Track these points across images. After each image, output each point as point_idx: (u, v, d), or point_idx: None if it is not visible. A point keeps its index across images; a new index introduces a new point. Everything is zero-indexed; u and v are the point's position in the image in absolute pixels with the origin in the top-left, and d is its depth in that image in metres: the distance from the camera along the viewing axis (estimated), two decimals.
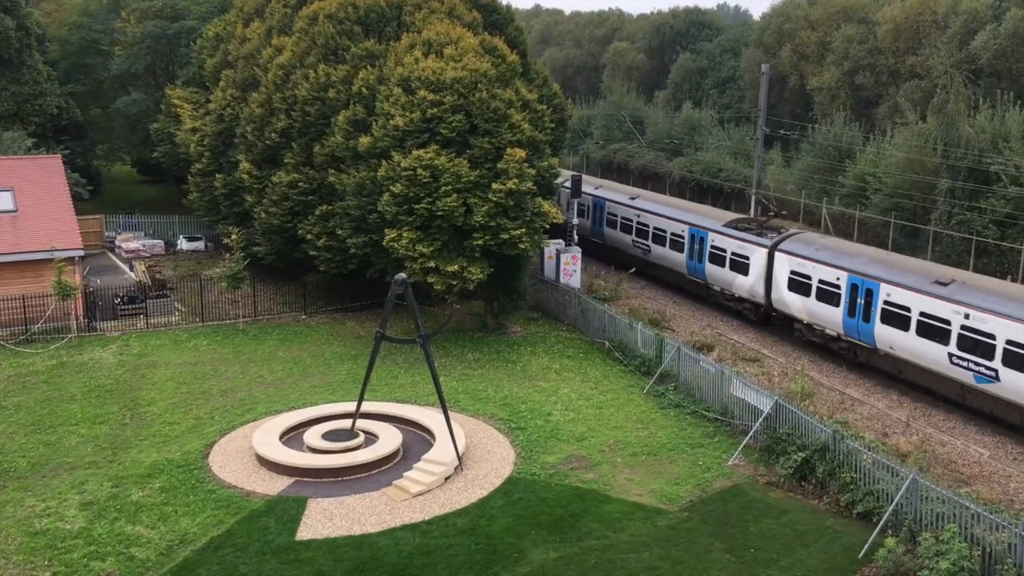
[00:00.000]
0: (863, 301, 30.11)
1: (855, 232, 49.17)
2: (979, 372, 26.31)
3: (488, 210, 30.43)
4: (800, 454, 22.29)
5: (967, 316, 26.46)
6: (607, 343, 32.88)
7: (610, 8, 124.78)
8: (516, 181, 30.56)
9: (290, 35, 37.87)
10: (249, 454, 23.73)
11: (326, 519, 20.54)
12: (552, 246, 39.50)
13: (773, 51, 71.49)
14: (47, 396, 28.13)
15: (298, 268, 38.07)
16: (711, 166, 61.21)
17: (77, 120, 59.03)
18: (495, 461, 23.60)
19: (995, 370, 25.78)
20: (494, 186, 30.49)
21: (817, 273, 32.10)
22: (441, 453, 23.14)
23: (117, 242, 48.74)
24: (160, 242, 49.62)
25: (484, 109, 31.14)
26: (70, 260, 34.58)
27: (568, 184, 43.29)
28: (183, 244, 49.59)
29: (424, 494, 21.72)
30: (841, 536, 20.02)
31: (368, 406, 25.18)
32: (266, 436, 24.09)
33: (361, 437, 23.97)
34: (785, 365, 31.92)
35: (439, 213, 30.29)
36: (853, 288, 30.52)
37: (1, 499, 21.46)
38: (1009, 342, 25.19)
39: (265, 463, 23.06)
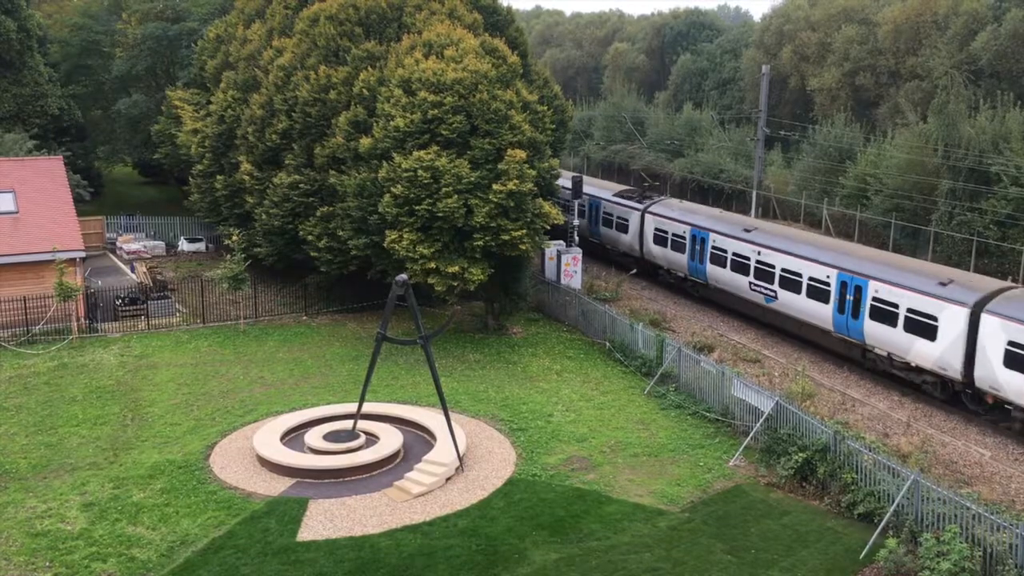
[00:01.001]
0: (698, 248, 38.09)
1: (855, 233, 49.20)
2: (767, 295, 33.63)
3: (489, 211, 30.44)
4: (801, 455, 22.28)
5: (759, 253, 34.15)
6: (608, 344, 32.89)
7: (610, 9, 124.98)
8: (517, 182, 30.57)
9: (291, 36, 37.90)
10: (250, 455, 23.74)
11: (327, 520, 20.55)
12: (553, 247, 39.53)
13: (773, 52, 71.54)
14: (48, 397, 28.15)
15: (299, 269, 38.09)
16: (712, 167, 61.24)
17: (78, 122, 59.06)
18: (496, 462, 23.61)
19: (775, 291, 33.29)
20: (495, 187, 30.50)
21: (672, 228, 40.07)
22: (442, 454, 23.15)
23: (118, 243, 48.78)
24: (161, 243, 49.65)
25: (485, 110, 31.16)
26: (71, 261, 34.60)
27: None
28: (184, 245, 49.62)
29: (425, 495, 21.72)
30: (842, 537, 20.02)
31: (369, 407, 25.20)
32: (267, 437, 24.10)
33: (362, 438, 23.98)
34: (786, 366, 31.92)
35: (440, 214, 30.31)
36: (694, 239, 38.21)
37: (2, 500, 21.47)
38: (783, 271, 32.78)
39: (266, 464, 23.08)
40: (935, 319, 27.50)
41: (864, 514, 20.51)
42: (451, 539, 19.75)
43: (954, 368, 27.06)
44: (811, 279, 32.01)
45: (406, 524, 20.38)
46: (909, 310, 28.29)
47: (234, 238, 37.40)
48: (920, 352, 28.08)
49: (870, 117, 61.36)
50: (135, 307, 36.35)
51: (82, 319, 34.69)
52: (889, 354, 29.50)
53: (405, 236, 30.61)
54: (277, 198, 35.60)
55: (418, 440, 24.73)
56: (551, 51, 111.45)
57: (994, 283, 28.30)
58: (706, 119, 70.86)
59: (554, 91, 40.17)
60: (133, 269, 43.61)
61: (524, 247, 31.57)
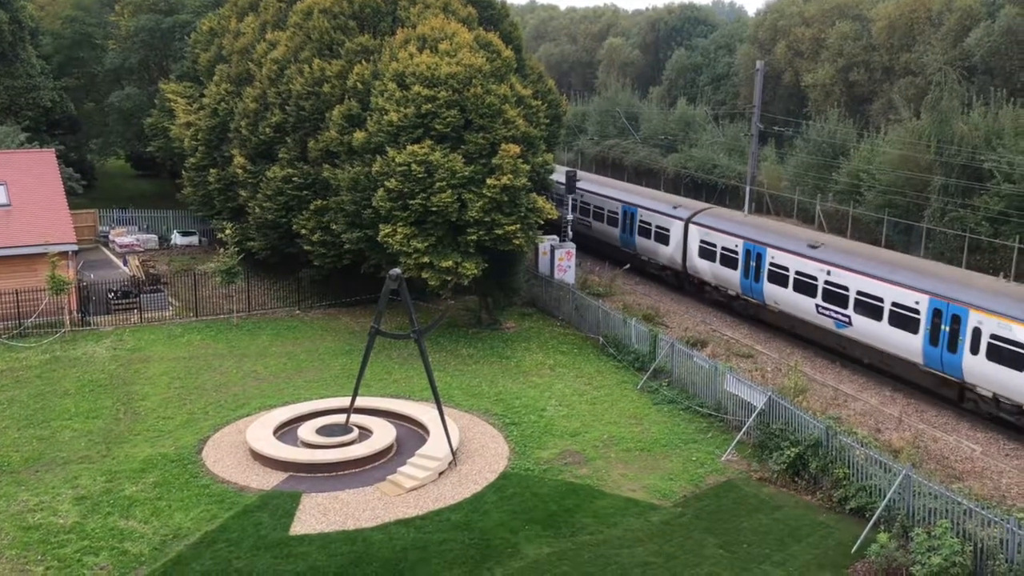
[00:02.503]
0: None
1: (848, 229, 49.28)
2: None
3: (482, 206, 30.43)
4: (793, 450, 22.36)
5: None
6: (601, 339, 32.92)
7: (605, 4, 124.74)
8: (511, 177, 30.56)
9: (284, 30, 37.80)
10: (243, 449, 23.73)
11: (320, 514, 20.55)
12: (547, 242, 39.51)
13: (768, 48, 71.56)
14: (40, 391, 28.08)
15: (292, 263, 38.03)
16: (706, 162, 61.26)
17: (71, 114, 58.77)
18: (489, 456, 23.63)
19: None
20: (488, 182, 30.48)
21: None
22: (435, 448, 23.16)
23: (111, 237, 48.61)
24: (154, 237, 49.48)
25: (479, 104, 31.13)
26: (63, 254, 34.47)
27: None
28: (177, 239, 49.47)
29: (418, 489, 21.74)
30: (834, 531, 20.10)
31: (362, 401, 25.19)
32: (260, 431, 24.09)
33: (355, 432, 23.98)
34: (778, 361, 31.99)
35: (433, 208, 30.29)
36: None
37: None
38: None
39: (259, 458, 23.07)
40: (668, 230, 40.28)
41: (856, 509, 20.59)
42: (444, 533, 19.78)
43: (677, 262, 39.93)
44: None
45: (399, 518, 20.40)
46: (657, 226, 41.22)
47: (227, 232, 37.30)
48: (662, 254, 41.01)
49: (863, 113, 61.45)
50: (128, 300, 36.24)
51: (74, 312, 34.60)
52: (650, 259, 42.25)
53: (399, 230, 30.59)
54: (270, 192, 35.54)
55: (411, 434, 24.73)
56: (545, 46, 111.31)
57: (700, 205, 41.29)
58: (700, 114, 70.86)
59: (548, 86, 40.13)
60: (126, 262, 43.48)
61: (518, 242, 31.56)
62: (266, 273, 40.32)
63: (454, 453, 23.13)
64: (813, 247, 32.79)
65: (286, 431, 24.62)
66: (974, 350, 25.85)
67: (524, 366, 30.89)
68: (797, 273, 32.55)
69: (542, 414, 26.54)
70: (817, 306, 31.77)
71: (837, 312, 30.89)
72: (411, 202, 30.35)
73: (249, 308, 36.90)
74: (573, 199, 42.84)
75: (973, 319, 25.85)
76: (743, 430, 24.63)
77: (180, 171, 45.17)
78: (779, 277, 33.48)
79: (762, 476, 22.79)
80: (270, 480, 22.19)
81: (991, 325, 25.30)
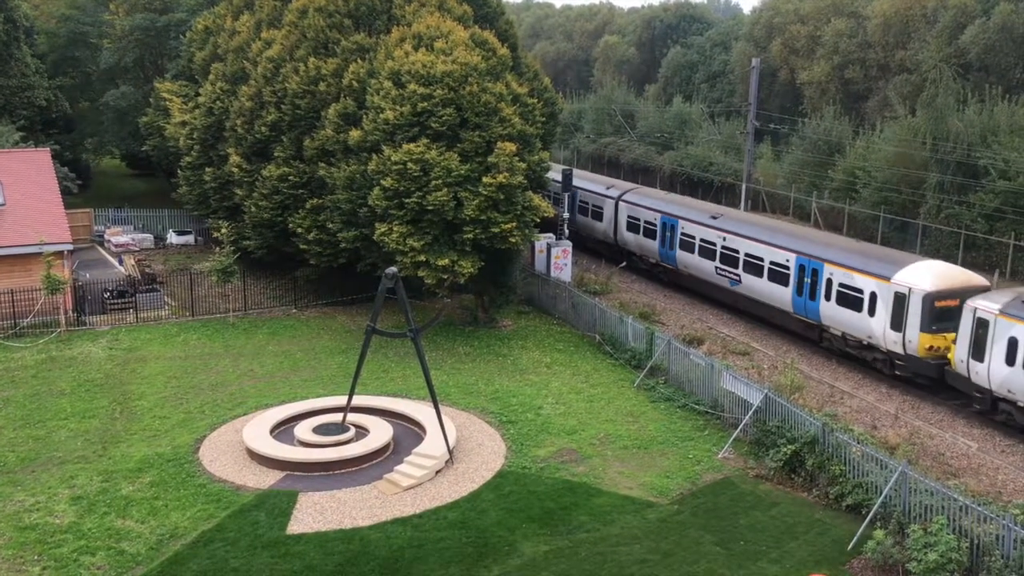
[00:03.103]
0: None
1: (844, 227, 49.35)
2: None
3: (479, 204, 30.42)
4: (790, 447, 22.38)
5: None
6: (598, 337, 32.93)
7: (601, 2, 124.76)
8: (507, 175, 30.55)
9: (280, 28, 37.74)
10: (240, 448, 23.71)
11: (317, 513, 20.54)
12: (543, 240, 39.52)
13: (763, 45, 71.63)
14: (36, 390, 28.03)
15: (288, 262, 37.99)
16: (701, 160, 61.33)
17: (66, 113, 58.65)
18: (486, 455, 23.64)
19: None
20: (484, 180, 30.47)
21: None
22: (432, 447, 23.16)
23: (106, 236, 48.53)
24: (149, 236, 49.39)
25: (474, 103, 31.11)
26: (59, 254, 34.40)
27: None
28: (173, 238, 49.40)
29: (415, 488, 21.74)
30: (830, 528, 20.13)
31: (359, 400, 25.17)
32: (257, 430, 24.07)
33: (352, 431, 23.97)
34: (775, 358, 32.03)
35: (429, 207, 30.27)
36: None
37: None
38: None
39: (256, 457, 23.05)
40: (602, 208, 44.77)
41: (852, 506, 20.61)
42: (441, 531, 19.78)
43: (611, 237, 44.38)
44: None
45: (396, 517, 20.39)
46: (594, 206, 45.67)
47: (223, 231, 37.27)
48: (598, 229, 45.32)
49: (859, 110, 61.55)
50: (123, 300, 36.18)
51: (70, 312, 34.53)
52: (589, 235, 46.10)
53: (395, 229, 30.57)
54: (266, 190, 35.50)
55: (408, 433, 24.73)
56: (541, 44, 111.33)
57: (630, 185, 46.55)
58: (696, 112, 70.95)
59: (544, 84, 40.13)
60: (121, 262, 43.41)
61: (514, 240, 31.55)
62: (262, 272, 40.28)
63: (451, 451, 23.13)
64: (714, 218, 37.77)
65: (283, 430, 24.59)
66: (827, 297, 31.28)
67: (521, 364, 30.89)
68: (702, 240, 37.59)
69: (539, 412, 26.54)
70: (716, 268, 36.81)
71: (731, 272, 35.94)
72: (407, 201, 30.33)
73: (245, 307, 36.87)
74: None
75: (827, 271, 31.24)
76: (740, 427, 24.65)
77: (175, 170, 45.09)
78: (688, 245, 38.56)
79: (759, 473, 22.82)
80: (267, 479, 22.17)
81: (839, 275, 30.72)
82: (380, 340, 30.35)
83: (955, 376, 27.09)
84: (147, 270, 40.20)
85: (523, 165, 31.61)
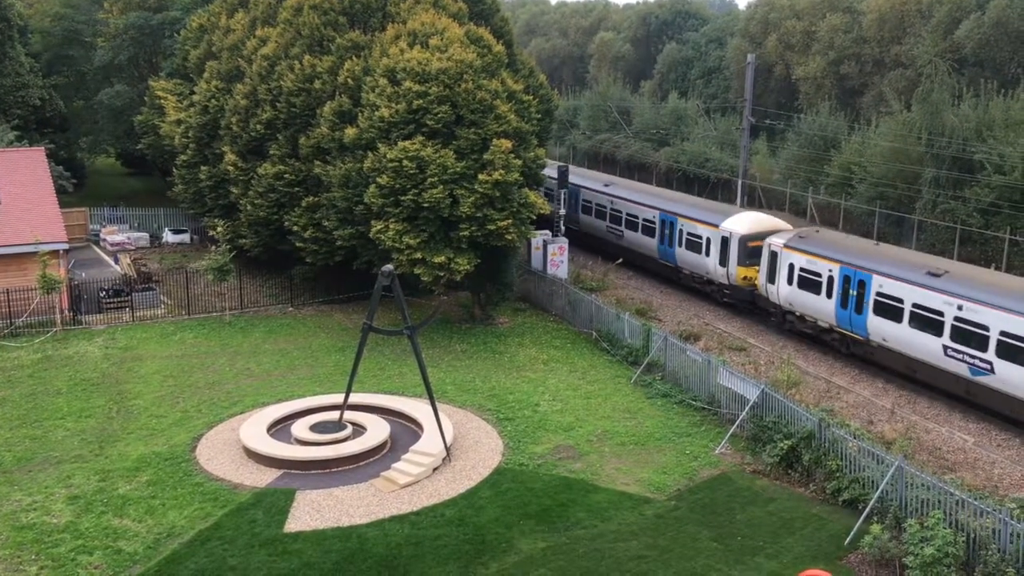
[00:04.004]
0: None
1: (840, 222, 49.39)
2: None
3: (475, 201, 30.40)
4: (786, 442, 22.42)
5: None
6: (594, 333, 32.94)
7: None
8: (502, 172, 30.53)
9: (275, 26, 37.68)
10: (237, 447, 23.70)
11: (314, 511, 20.54)
12: (539, 237, 39.52)
13: (759, 41, 71.62)
14: (32, 390, 27.99)
15: (284, 260, 37.94)
16: (697, 156, 61.31)
17: (60, 112, 58.49)
18: (483, 452, 23.65)
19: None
20: (480, 177, 30.46)
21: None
22: (429, 444, 23.16)
23: (102, 235, 48.44)
24: (145, 235, 49.31)
25: (470, 100, 31.08)
26: (54, 253, 34.34)
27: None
28: (168, 237, 49.31)
29: (412, 485, 21.74)
30: (827, 523, 20.17)
31: (356, 398, 25.16)
32: (254, 428, 24.05)
33: (349, 429, 23.96)
34: (771, 354, 32.06)
35: (425, 204, 30.25)
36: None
37: None
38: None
39: (253, 455, 23.03)
40: (552, 191, 43.17)
41: (849, 500, 20.66)
42: (439, 529, 19.79)
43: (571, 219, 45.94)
44: None
45: (393, 514, 20.40)
46: (546, 188, 42.24)
47: (219, 229, 37.23)
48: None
49: (854, 106, 61.57)
50: (119, 299, 36.14)
51: (66, 311, 34.48)
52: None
53: (391, 226, 30.55)
54: (262, 189, 35.45)
55: (405, 431, 24.73)
56: (536, 40, 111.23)
57: (578, 170, 49.82)
58: (692, 108, 70.92)
59: (540, 80, 40.11)
60: (117, 261, 43.35)
61: (510, 237, 31.55)
62: (258, 270, 40.24)
63: (448, 449, 23.13)
64: (606, 185, 45.53)
65: (280, 428, 24.59)
66: (680, 244, 39.01)
67: (517, 361, 30.90)
68: (596, 204, 45.54)
69: (536, 409, 26.55)
70: (607, 227, 44.63)
71: (617, 229, 43.68)
72: (403, 198, 30.31)
73: (241, 306, 36.83)
74: None
75: (679, 224, 38.99)
76: (736, 423, 24.68)
77: (171, 169, 45.02)
78: (587, 209, 46.11)
79: (755, 469, 22.85)
80: (264, 477, 22.16)
81: (688, 227, 38.41)
82: (377, 338, 30.35)
83: (760, 297, 34.69)
84: (143, 269, 40.15)
85: (519, 162, 31.60)
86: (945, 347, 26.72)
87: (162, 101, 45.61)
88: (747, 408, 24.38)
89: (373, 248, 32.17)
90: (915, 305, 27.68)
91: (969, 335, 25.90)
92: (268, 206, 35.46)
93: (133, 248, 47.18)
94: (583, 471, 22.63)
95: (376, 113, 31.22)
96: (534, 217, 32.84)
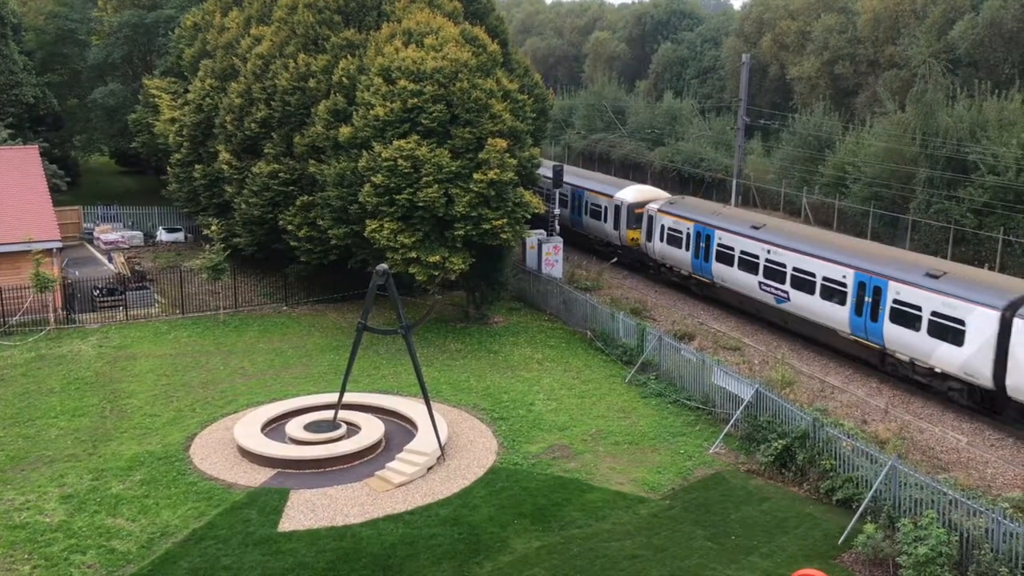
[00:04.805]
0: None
1: (835, 222, 49.46)
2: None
3: (469, 200, 30.39)
4: (780, 442, 22.44)
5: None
6: (589, 333, 32.95)
7: None
8: (497, 171, 30.53)
9: (269, 24, 37.62)
10: (231, 446, 23.65)
11: (308, 510, 20.51)
12: (534, 236, 39.52)
13: (753, 41, 71.72)
14: (26, 389, 27.92)
15: (279, 259, 37.89)
16: (692, 156, 61.35)
17: (54, 110, 58.33)
18: (477, 451, 23.64)
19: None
20: (475, 176, 30.45)
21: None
22: (423, 444, 23.15)
23: (96, 234, 48.33)
24: (139, 233, 49.22)
25: (465, 99, 31.06)
26: (48, 252, 34.27)
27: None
28: (163, 235, 49.23)
29: (406, 485, 21.73)
30: (821, 523, 20.19)
31: (350, 397, 25.13)
32: (248, 428, 24.02)
33: (343, 428, 23.94)
34: (766, 354, 32.10)
35: (420, 204, 30.23)
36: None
37: None
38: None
39: (247, 455, 23.00)
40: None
41: (843, 500, 20.69)
42: (433, 528, 19.78)
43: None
44: None
45: (388, 514, 20.38)
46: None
47: (213, 228, 37.15)
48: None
49: (849, 106, 61.65)
50: (113, 298, 36.06)
51: (59, 310, 34.40)
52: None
53: (386, 225, 30.52)
54: (256, 187, 35.39)
55: (399, 430, 24.71)
56: (532, 40, 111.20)
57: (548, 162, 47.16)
58: (687, 108, 70.94)
59: (535, 80, 40.12)
60: (111, 259, 43.26)
61: (505, 236, 31.55)
62: (252, 269, 40.18)
63: (442, 448, 23.12)
64: (556, 172, 45.95)
65: (274, 428, 24.55)
66: (586, 214, 45.34)
67: (512, 361, 30.89)
68: (560, 194, 45.47)
69: (530, 408, 26.55)
70: (573, 219, 47.23)
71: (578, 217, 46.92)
72: (398, 197, 30.28)
73: (236, 305, 36.77)
74: None
75: (585, 196, 45.19)
76: (731, 423, 24.71)
77: (165, 167, 44.91)
78: (562, 202, 46.87)
79: (750, 468, 22.87)
80: (258, 477, 22.13)
81: (591, 198, 44.62)
82: (371, 337, 30.33)
83: (643, 254, 41.60)
84: (137, 268, 40.09)
85: (514, 161, 31.59)
86: (760, 283, 33.71)
87: (156, 99, 45.49)
88: (741, 407, 24.40)
89: (368, 247, 32.14)
90: (742, 252, 34.68)
91: (774, 272, 32.89)
92: (262, 205, 35.40)
93: (127, 247, 47.10)
94: (577, 470, 22.63)
95: (371, 112, 31.19)
96: (529, 216, 32.85)
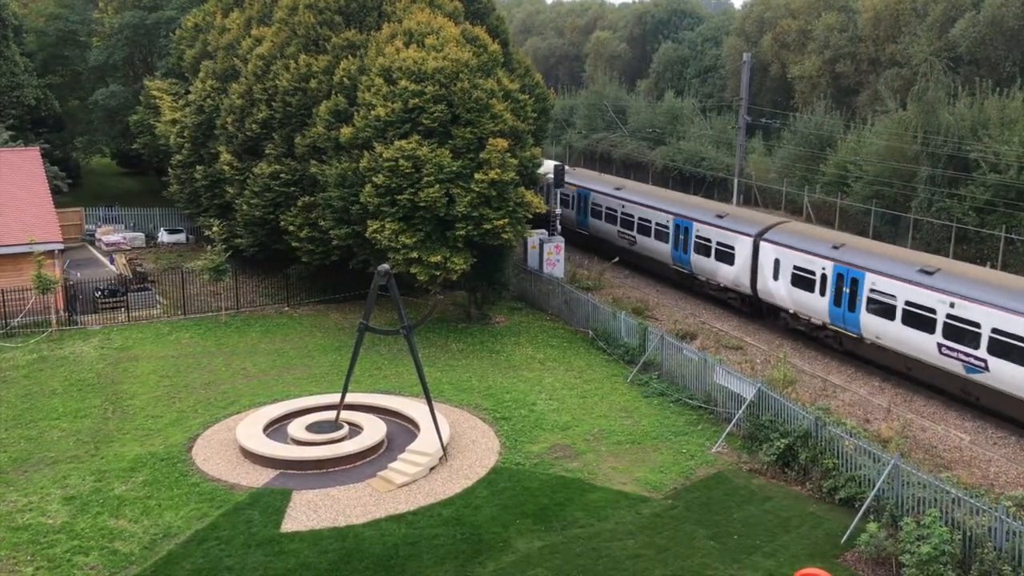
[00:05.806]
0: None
1: (836, 220, 49.42)
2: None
3: (471, 200, 30.38)
4: (783, 441, 22.43)
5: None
6: (591, 332, 32.94)
7: None
8: (499, 171, 30.52)
9: (270, 25, 37.63)
10: (233, 447, 23.66)
11: (311, 511, 20.52)
12: (535, 236, 39.51)
13: (754, 40, 71.68)
14: (28, 390, 27.93)
15: (280, 260, 37.90)
16: (693, 155, 61.34)
17: (55, 112, 58.37)
18: (480, 451, 23.64)
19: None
20: (476, 176, 30.44)
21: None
22: (426, 444, 23.14)
23: (97, 235, 48.35)
24: (141, 235, 49.24)
25: (466, 99, 31.06)
26: (49, 253, 34.29)
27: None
28: (164, 236, 49.25)
29: (409, 485, 21.73)
30: (824, 522, 20.18)
31: (352, 397, 25.13)
32: (250, 428, 24.02)
33: (345, 428, 23.94)
34: (768, 353, 32.08)
35: (421, 204, 30.23)
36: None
37: None
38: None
39: (249, 455, 23.00)
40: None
41: (845, 499, 20.68)
42: (435, 528, 19.78)
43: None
44: None
45: (390, 514, 20.38)
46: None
47: (214, 229, 37.16)
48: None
49: (850, 104, 61.62)
50: (115, 299, 36.07)
51: (61, 311, 34.41)
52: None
53: (387, 226, 30.52)
54: (258, 188, 35.40)
55: (402, 430, 24.71)
56: (532, 39, 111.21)
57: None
58: (687, 107, 70.93)
59: (535, 80, 40.09)
60: (112, 261, 43.28)
61: (506, 236, 31.54)
62: (254, 270, 40.19)
63: (444, 448, 23.12)
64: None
65: (276, 428, 24.56)
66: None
67: (514, 360, 30.89)
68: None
69: (532, 408, 26.55)
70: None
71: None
72: (399, 197, 30.28)
73: (237, 305, 36.78)
74: None
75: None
76: (733, 422, 24.69)
77: (166, 168, 44.94)
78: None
79: (752, 467, 22.86)
80: (260, 478, 22.14)
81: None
82: (373, 337, 30.33)
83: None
84: (138, 269, 40.08)
85: (515, 161, 31.59)
86: (618, 232, 42.90)
87: (157, 101, 45.52)
88: (743, 407, 24.39)
89: (369, 247, 32.14)
90: (608, 208, 43.51)
91: (627, 222, 42.18)
92: (264, 206, 35.41)
93: (128, 248, 47.11)
94: (580, 470, 22.62)
95: (372, 112, 31.19)
96: (530, 216, 32.84)
